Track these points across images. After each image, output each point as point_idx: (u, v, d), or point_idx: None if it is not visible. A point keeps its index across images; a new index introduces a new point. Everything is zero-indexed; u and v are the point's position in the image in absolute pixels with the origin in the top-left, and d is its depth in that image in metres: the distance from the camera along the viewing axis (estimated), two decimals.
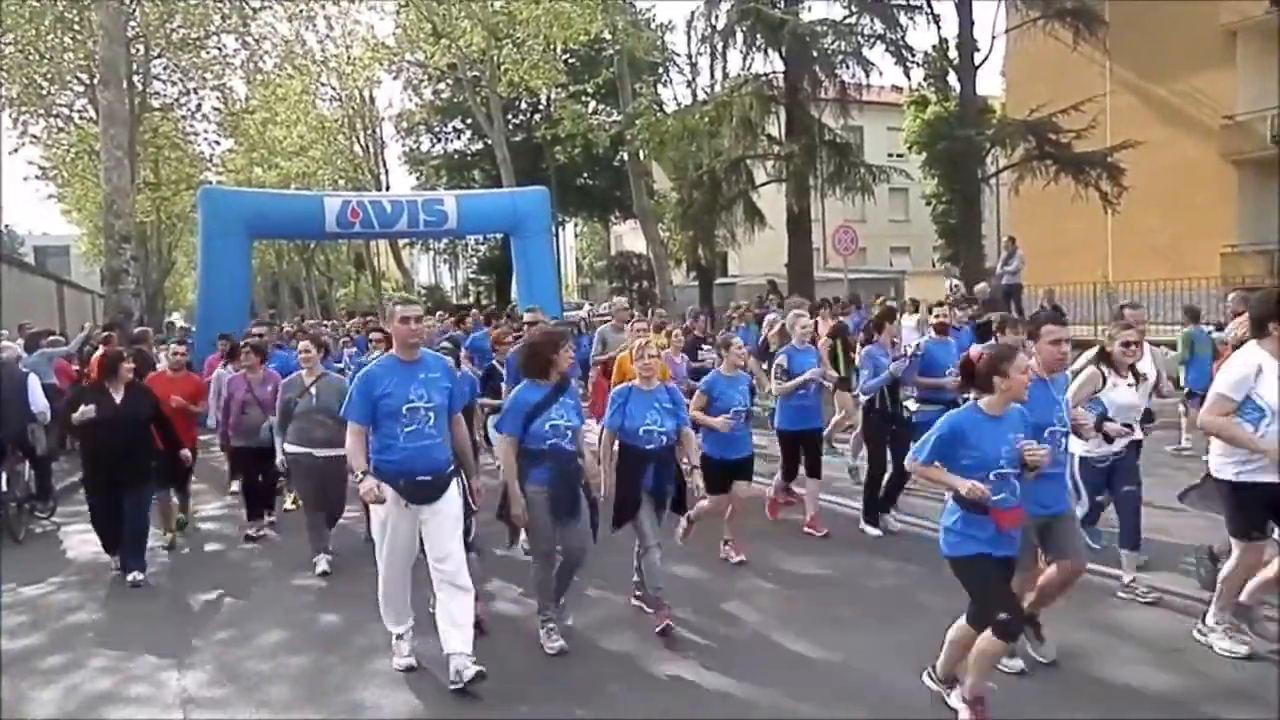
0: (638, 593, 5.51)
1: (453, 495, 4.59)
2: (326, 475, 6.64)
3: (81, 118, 24.33)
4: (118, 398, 6.49)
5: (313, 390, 6.67)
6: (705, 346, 9.41)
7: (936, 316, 7.73)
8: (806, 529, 7.07)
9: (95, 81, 20.54)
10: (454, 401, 4.71)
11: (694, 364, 8.78)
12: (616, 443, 5.18)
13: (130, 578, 6.51)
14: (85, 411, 6.33)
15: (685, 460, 5.45)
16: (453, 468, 4.65)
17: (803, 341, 7.13)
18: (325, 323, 21.74)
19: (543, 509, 4.80)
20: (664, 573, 5.20)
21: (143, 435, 6.59)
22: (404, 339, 4.58)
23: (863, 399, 7.30)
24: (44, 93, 22.91)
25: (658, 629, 5.02)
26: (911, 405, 7.01)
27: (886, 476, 7.04)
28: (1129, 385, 5.24)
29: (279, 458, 6.92)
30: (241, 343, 8.84)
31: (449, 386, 4.66)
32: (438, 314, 14.17)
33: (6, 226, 44.20)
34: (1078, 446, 5.00)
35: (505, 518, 5.02)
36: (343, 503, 6.86)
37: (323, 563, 6.60)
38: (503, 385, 7.43)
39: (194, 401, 7.72)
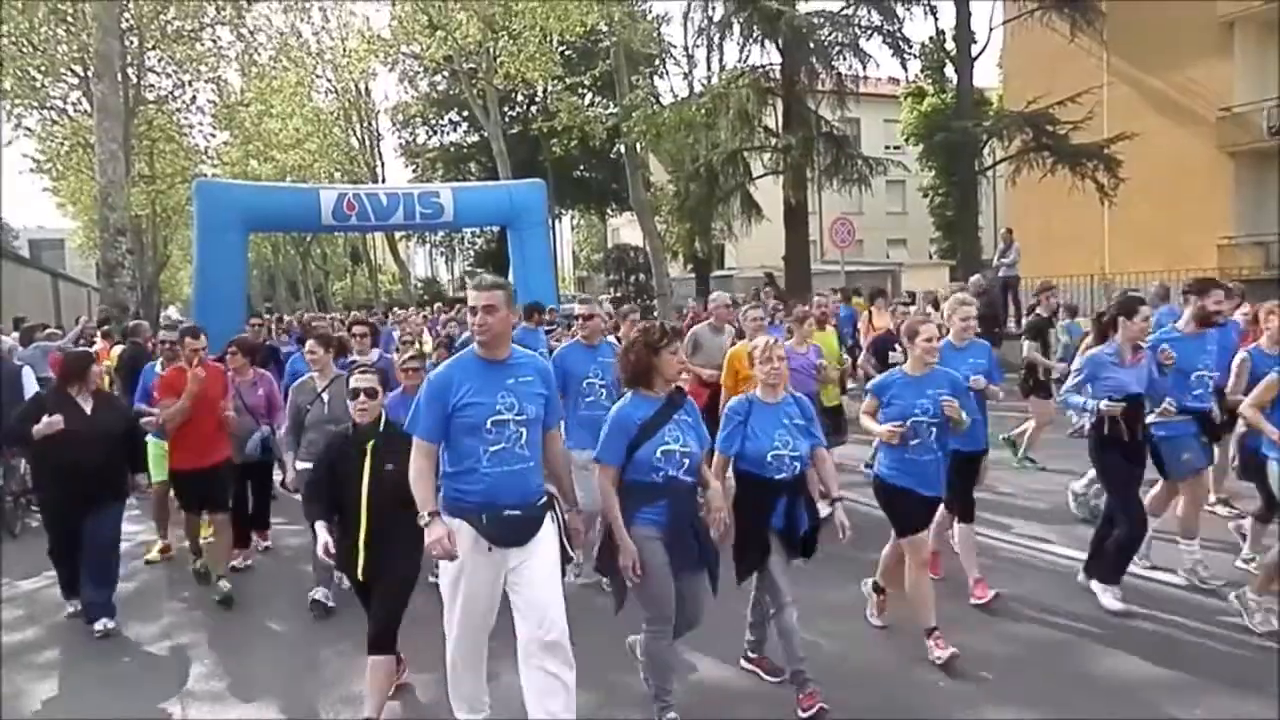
0: (751, 654, 4.50)
1: (549, 535, 3.61)
2: None
3: (76, 110, 24.21)
4: (87, 407, 5.48)
5: (325, 397, 5.75)
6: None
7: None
8: (975, 599, 5.25)
9: (89, 74, 20.46)
10: (550, 413, 3.75)
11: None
12: (730, 470, 4.18)
13: (98, 626, 5.39)
14: (51, 423, 5.24)
15: (822, 490, 4.32)
16: (546, 498, 3.68)
17: (962, 338, 5.45)
18: (325, 317, 21.60)
19: (659, 560, 3.74)
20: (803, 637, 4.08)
21: (117, 452, 5.58)
22: (471, 332, 3.66)
23: (1081, 421, 5.95)
24: (38, 85, 22.80)
25: (806, 715, 3.87)
26: (1152, 417, 5.30)
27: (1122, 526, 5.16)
28: None
29: (289, 475, 5.82)
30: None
31: (545, 394, 3.67)
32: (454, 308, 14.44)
33: (3, 221, 44.00)
34: None
35: (607, 570, 3.90)
36: None
37: (319, 593, 5.59)
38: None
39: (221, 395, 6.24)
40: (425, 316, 16.51)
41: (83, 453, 5.31)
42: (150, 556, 7.00)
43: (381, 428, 4.15)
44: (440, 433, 3.52)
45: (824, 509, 4.21)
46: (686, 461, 3.78)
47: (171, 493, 6.52)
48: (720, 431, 4.18)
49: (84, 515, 5.42)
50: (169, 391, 6.04)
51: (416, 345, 9.10)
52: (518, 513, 3.52)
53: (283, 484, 6.15)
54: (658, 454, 3.74)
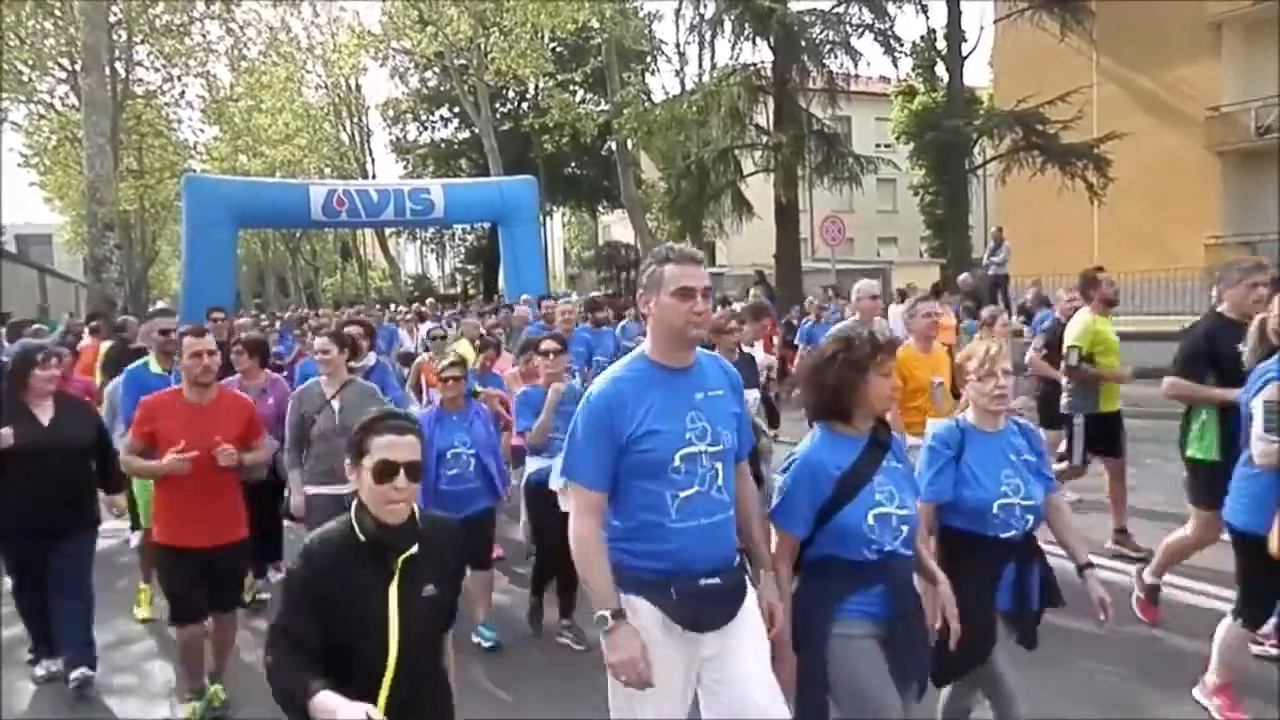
0: None
1: (752, 611, 2.61)
2: None
3: (63, 104, 24.11)
4: (44, 417, 4.50)
5: (335, 405, 4.84)
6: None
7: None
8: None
9: (77, 68, 20.37)
10: (743, 439, 2.71)
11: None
12: (936, 527, 3.12)
13: (74, 675, 4.48)
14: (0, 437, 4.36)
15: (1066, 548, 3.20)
16: (739, 559, 2.67)
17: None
18: (318, 313, 21.36)
19: (876, 669, 2.63)
20: None
21: (84, 469, 4.63)
22: (674, 328, 2.53)
23: None
24: (25, 79, 22.67)
25: None
26: None
27: None
28: None
29: (295, 499, 4.88)
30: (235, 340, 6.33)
31: (738, 413, 2.68)
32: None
33: None
34: None
35: (809, 698, 2.73)
36: None
37: None
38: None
39: (247, 439, 4.27)
40: (421, 312, 15.97)
41: (39, 472, 4.36)
42: (141, 614, 5.60)
43: (420, 525, 2.35)
44: (610, 477, 2.53)
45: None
46: (905, 529, 2.70)
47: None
48: (922, 469, 3.10)
49: (47, 548, 4.46)
50: (148, 426, 4.10)
51: (452, 349, 7.35)
52: (717, 581, 2.52)
53: (286, 512, 5.10)
54: (870, 520, 2.64)
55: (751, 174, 22.50)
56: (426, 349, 8.63)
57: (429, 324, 12.10)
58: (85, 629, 4.60)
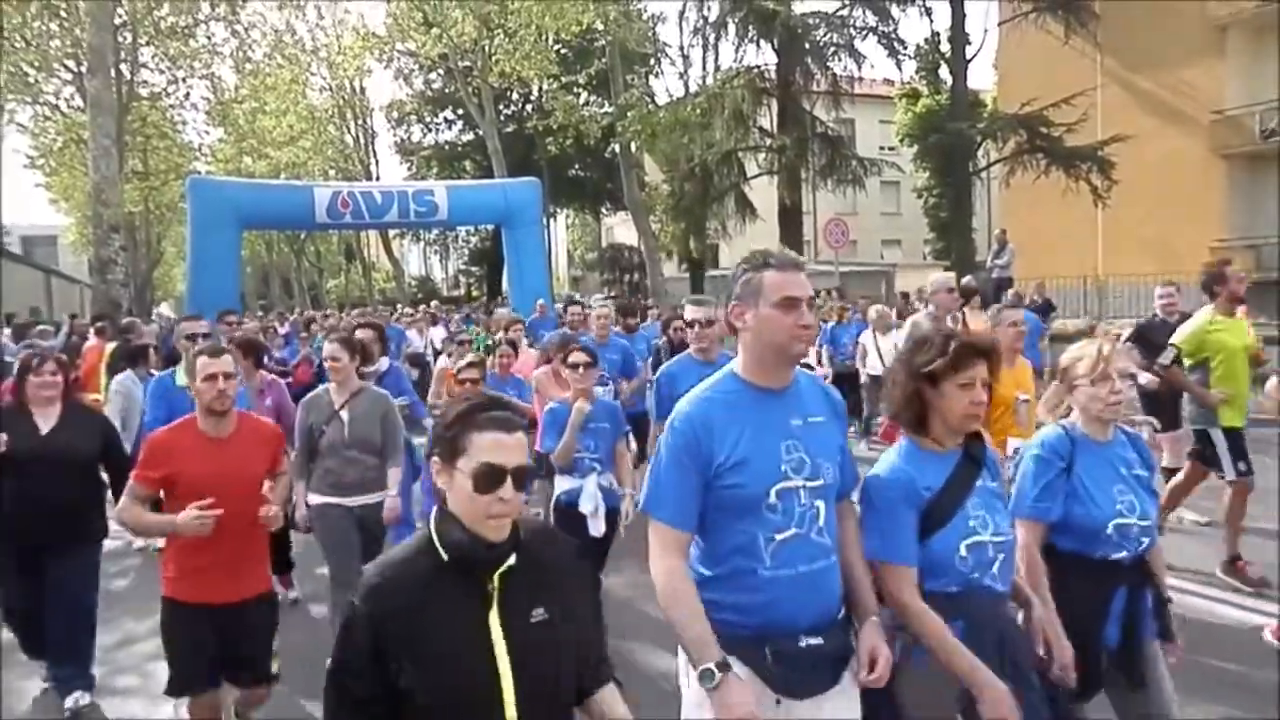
0: None
1: (850, 679, 2.23)
2: (366, 532, 4.59)
3: (69, 106, 24.18)
4: (45, 425, 4.26)
5: (344, 415, 4.55)
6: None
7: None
8: None
9: (83, 69, 20.40)
10: (846, 474, 2.39)
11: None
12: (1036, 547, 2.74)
13: (69, 702, 4.28)
14: None
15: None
16: (842, 611, 2.30)
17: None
18: (327, 313, 21.18)
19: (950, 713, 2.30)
20: None
21: (84, 479, 4.33)
22: (775, 343, 2.22)
23: None
24: (31, 80, 22.74)
25: None
26: None
27: None
28: None
29: (299, 511, 4.60)
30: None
31: (841, 445, 2.35)
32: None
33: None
34: None
35: None
36: None
37: None
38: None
39: (273, 471, 3.71)
40: (434, 314, 15.89)
41: (35, 483, 4.12)
42: None
43: (524, 536, 1.86)
44: (696, 514, 2.20)
45: None
46: (1001, 558, 2.36)
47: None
48: (1025, 483, 2.77)
49: (43, 564, 4.19)
50: (160, 471, 3.37)
51: (474, 348, 7.35)
52: (820, 641, 2.19)
53: (292, 523, 4.65)
54: (962, 550, 2.31)
55: (755, 176, 22.53)
56: (449, 354, 8.37)
57: (438, 327, 11.94)
58: (83, 648, 4.30)
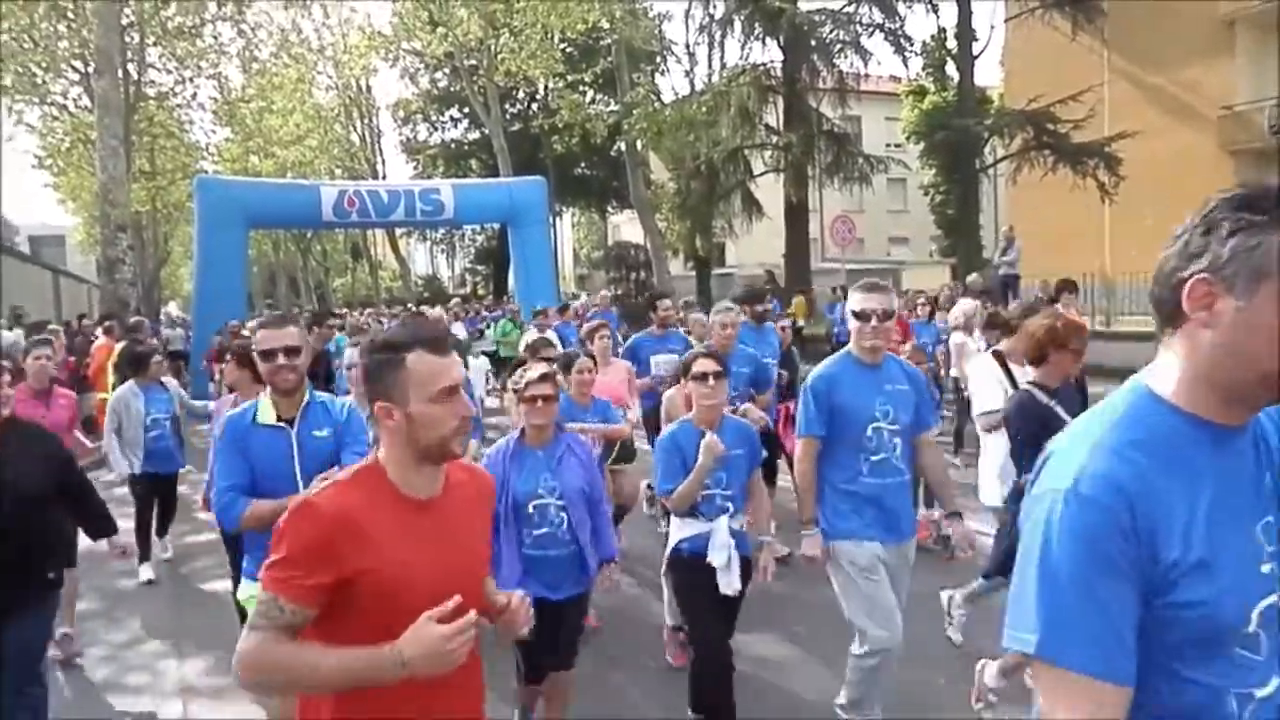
0: None
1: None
2: None
3: (77, 106, 24.25)
4: None
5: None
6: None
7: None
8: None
9: (90, 69, 20.49)
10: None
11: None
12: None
13: None
14: None
15: None
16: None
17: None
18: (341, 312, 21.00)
19: None
20: None
21: (32, 521, 3.32)
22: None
23: None
24: (39, 81, 22.83)
25: None
26: None
27: None
28: None
29: None
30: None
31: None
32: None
33: (4, 218, 43.99)
34: None
35: None
36: None
37: None
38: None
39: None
40: (456, 312, 15.84)
41: None
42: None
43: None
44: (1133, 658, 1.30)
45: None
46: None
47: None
48: None
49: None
50: (327, 575, 1.64)
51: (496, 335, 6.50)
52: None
53: None
54: None
55: (761, 174, 22.51)
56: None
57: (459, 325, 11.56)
58: (35, 709, 3.44)
